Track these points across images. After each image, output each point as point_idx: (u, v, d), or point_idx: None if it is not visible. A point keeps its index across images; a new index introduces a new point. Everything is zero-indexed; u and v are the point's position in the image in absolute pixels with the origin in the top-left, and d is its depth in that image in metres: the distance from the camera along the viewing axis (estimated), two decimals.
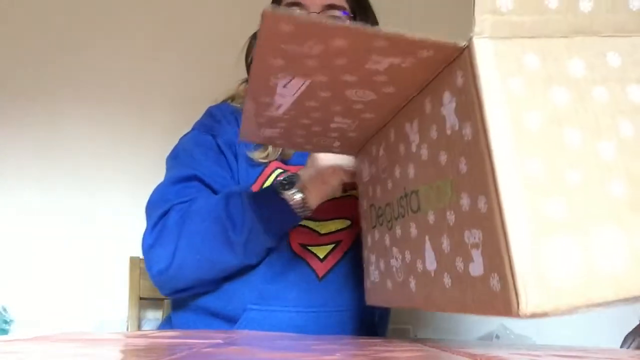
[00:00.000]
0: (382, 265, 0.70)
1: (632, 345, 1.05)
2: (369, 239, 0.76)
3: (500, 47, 0.44)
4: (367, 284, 0.77)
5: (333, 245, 0.95)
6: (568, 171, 0.42)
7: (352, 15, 1.04)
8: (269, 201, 0.86)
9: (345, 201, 0.98)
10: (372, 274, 0.74)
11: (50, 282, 1.45)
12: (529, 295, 0.39)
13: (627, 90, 0.46)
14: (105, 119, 1.53)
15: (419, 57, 0.48)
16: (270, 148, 1.00)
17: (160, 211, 0.91)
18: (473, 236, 0.45)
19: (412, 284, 0.60)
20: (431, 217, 0.54)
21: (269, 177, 0.98)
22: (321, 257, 0.95)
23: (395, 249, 0.65)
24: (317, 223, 0.96)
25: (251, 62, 1.05)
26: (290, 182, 0.85)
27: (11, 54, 1.53)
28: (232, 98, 1.11)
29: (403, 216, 0.61)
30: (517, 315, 0.39)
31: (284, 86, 0.56)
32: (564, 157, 0.43)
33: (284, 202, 0.85)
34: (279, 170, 0.99)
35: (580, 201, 0.42)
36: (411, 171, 0.58)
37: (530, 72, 0.44)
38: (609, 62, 0.46)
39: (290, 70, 0.53)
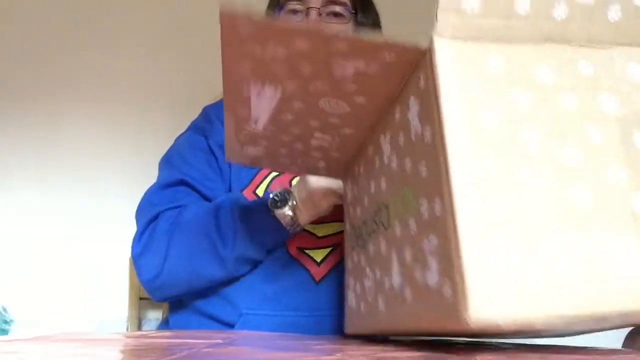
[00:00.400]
0: (358, 288, 0.67)
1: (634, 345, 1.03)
2: (349, 262, 0.73)
3: (462, 49, 0.42)
4: (346, 311, 0.74)
5: (331, 249, 0.94)
6: (528, 176, 0.41)
7: (353, 12, 1.03)
8: (260, 217, 0.86)
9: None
10: (350, 299, 0.72)
11: (50, 282, 1.46)
12: (478, 303, 0.37)
13: (598, 98, 0.44)
14: (105, 119, 1.54)
15: (383, 62, 0.47)
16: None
17: (149, 217, 0.92)
18: (430, 242, 0.43)
19: (380, 304, 0.57)
20: (397, 230, 0.52)
21: (263, 180, 0.98)
22: (318, 260, 0.94)
23: (368, 269, 0.63)
24: (314, 226, 0.95)
25: None
26: (282, 200, 0.85)
27: (11, 54, 1.54)
28: None
29: (375, 232, 0.59)
30: (466, 325, 0.37)
31: (257, 95, 0.56)
32: (525, 162, 0.41)
33: (275, 219, 0.86)
34: (274, 173, 0.99)
35: (540, 208, 0.40)
36: (383, 184, 0.57)
37: (493, 76, 0.43)
38: (581, 71, 0.45)
39: (259, 76, 0.52)
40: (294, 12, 1.01)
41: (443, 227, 0.41)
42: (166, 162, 1.03)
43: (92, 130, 1.50)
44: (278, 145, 0.68)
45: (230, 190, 0.99)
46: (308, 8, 0.99)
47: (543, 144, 0.42)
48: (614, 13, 0.46)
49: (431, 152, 0.43)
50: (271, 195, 0.87)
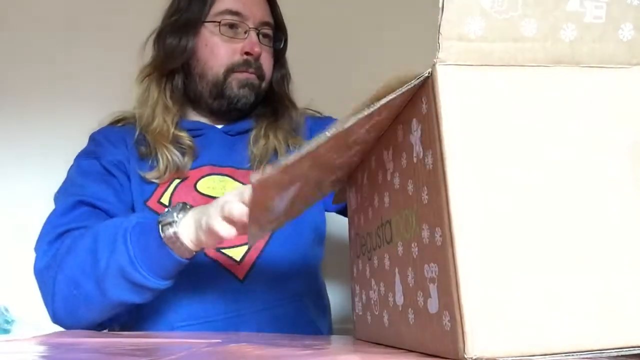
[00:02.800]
0: (364, 297, 0.68)
1: None
2: (354, 269, 0.74)
3: (465, 75, 0.42)
4: (354, 317, 0.75)
5: (248, 246, 0.94)
6: (533, 211, 0.40)
7: (279, 37, 1.10)
8: (152, 242, 0.78)
9: None
10: (357, 307, 0.72)
11: None
12: (476, 338, 0.37)
13: (608, 125, 0.43)
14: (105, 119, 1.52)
15: (389, 106, 0.46)
16: (161, 168, 0.98)
17: (45, 243, 0.89)
18: (431, 270, 0.43)
19: (385, 319, 0.58)
20: (400, 249, 0.52)
21: (167, 188, 0.98)
22: (238, 259, 0.94)
23: (373, 281, 0.63)
24: None
25: (170, 62, 1.06)
26: (169, 217, 0.77)
27: (10, 53, 1.54)
28: (123, 119, 1.11)
29: (380, 247, 0.59)
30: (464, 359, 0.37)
31: (280, 199, 0.58)
32: (530, 195, 0.40)
33: (161, 242, 0.77)
34: (177, 181, 0.99)
35: (544, 243, 0.39)
36: (387, 200, 0.56)
37: (498, 102, 0.42)
38: (591, 94, 0.43)
39: (283, 190, 0.55)
40: (232, 25, 1.03)
41: (443, 258, 0.40)
42: (61, 193, 1.00)
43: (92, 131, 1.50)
44: (293, 204, 0.69)
45: (132, 203, 0.98)
46: (249, 28, 1.03)
47: (549, 177, 0.41)
48: (626, 32, 0.44)
49: (432, 179, 0.42)
50: (160, 215, 0.78)
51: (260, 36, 1.04)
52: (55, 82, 1.51)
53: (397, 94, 0.43)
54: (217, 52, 1.03)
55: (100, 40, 1.54)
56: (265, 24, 1.06)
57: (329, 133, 0.43)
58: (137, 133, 1.03)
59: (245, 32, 1.03)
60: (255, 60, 1.03)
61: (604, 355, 0.39)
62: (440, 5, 0.40)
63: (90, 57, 1.53)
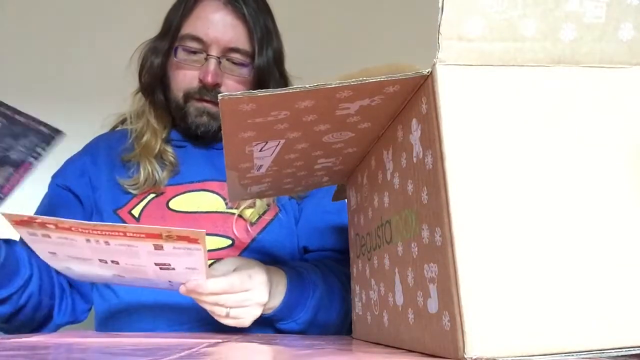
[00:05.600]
0: (364, 297, 0.68)
1: None
2: (354, 269, 0.74)
3: (465, 75, 0.42)
4: (353, 316, 0.75)
5: (211, 262, 0.91)
6: (532, 211, 0.40)
7: (251, 63, 1.01)
8: None
9: (228, 218, 0.96)
10: (357, 306, 0.72)
11: None
12: (476, 338, 0.37)
13: (609, 125, 0.43)
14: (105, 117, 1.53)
15: (387, 93, 0.46)
16: (140, 179, 0.99)
17: None
18: (431, 270, 0.43)
19: (385, 319, 0.58)
20: (400, 249, 0.52)
21: (141, 201, 0.98)
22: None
23: (373, 281, 0.63)
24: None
25: (147, 79, 1.05)
26: None
27: (10, 52, 1.54)
28: (122, 121, 1.12)
29: (379, 247, 0.59)
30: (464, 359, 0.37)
31: (260, 150, 0.56)
32: (530, 195, 0.40)
33: None
34: (152, 195, 0.99)
35: (544, 242, 0.40)
36: (386, 200, 0.56)
37: (498, 102, 0.42)
38: (591, 94, 0.43)
39: (262, 137, 0.53)
40: (193, 52, 0.99)
41: (443, 258, 0.40)
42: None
43: (93, 129, 1.49)
44: (282, 178, 0.69)
45: (97, 212, 1.00)
46: (208, 55, 0.98)
47: (549, 177, 0.41)
48: (626, 32, 0.44)
49: (432, 179, 0.42)
50: None
51: (227, 63, 0.99)
52: (57, 80, 1.52)
53: (391, 77, 0.43)
54: (176, 76, 1.01)
55: (101, 38, 1.56)
56: (233, 50, 0.99)
57: (308, 86, 0.43)
58: (128, 143, 1.05)
59: (205, 59, 0.98)
60: (213, 88, 0.98)
61: (604, 355, 0.39)
62: (440, 5, 0.40)
63: (92, 55, 1.54)
